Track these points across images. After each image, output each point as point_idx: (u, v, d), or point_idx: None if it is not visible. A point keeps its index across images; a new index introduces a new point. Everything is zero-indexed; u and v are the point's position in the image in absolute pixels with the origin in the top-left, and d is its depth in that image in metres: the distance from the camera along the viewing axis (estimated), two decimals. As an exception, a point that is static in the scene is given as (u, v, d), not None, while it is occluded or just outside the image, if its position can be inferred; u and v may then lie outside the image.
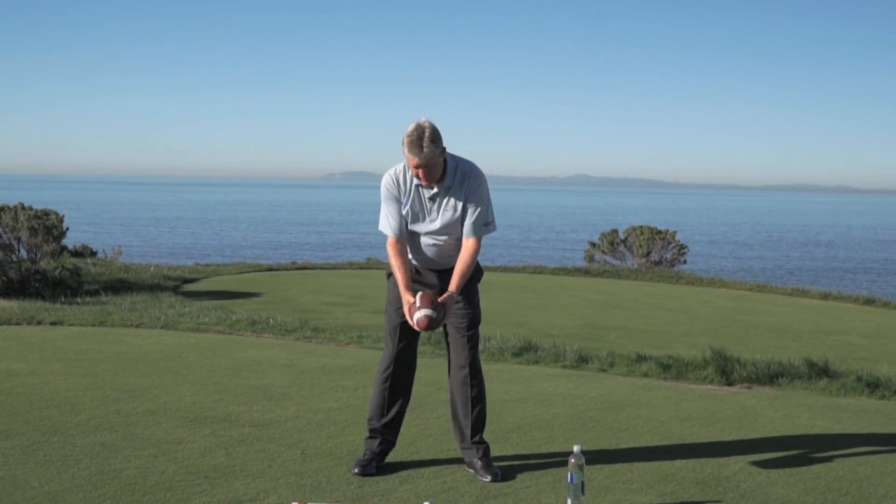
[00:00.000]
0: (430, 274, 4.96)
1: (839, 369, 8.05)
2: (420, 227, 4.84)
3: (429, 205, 4.80)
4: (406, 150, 4.60)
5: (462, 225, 4.80)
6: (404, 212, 4.82)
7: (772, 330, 12.99)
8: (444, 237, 4.84)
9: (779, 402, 6.81)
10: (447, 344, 5.02)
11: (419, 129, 4.57)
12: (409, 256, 4.92)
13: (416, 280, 4.93)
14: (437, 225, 4.81)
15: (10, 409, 6.00)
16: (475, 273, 4.94)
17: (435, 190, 4.75)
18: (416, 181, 4.77)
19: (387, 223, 4.85)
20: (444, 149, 4.67)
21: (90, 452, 5.07)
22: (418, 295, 4.66)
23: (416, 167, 4.63)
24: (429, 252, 4.90)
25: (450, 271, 4.86)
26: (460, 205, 4.76)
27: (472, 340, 4.93)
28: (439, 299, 4.67)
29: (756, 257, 46.45)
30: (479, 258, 4.90)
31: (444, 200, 4.77)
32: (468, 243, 4.79)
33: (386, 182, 4.83)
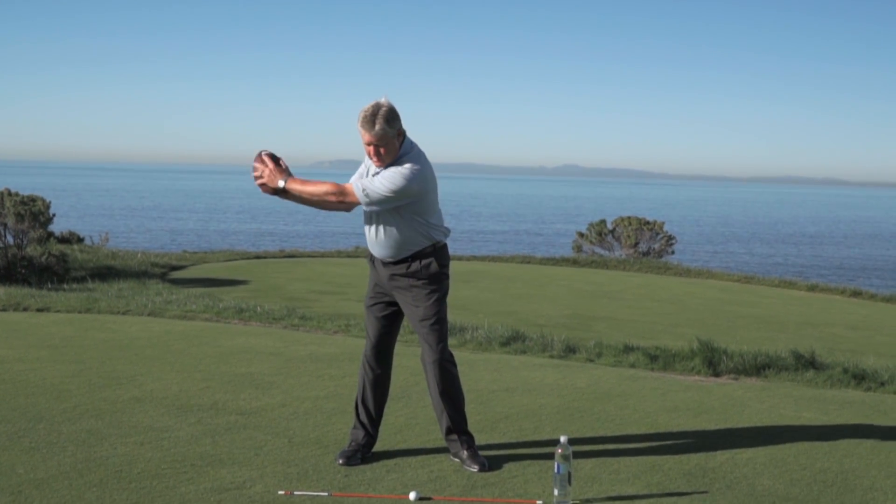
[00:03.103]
0: (376, 264, 4.91)
1: (825, 361, 8.08)
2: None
3: None
4: (359, 125, 4.60)
5: (393, 218, 4.71)
6: None
7: (759, 321, 13.04)
8: (380, 226, 4.76)
9: (765, 394, 6.83)
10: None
11: (375, 107, 4.58)
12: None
13: (372, 267, 4.95)
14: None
15: (-4, 396, 5.98)
16: (433, 264, 4.79)
17: (379, 169, 4.73)
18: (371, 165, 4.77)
19: None
20: (401, 132, 4.65)
21: (76, 440, 5.05)
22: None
23: (368, 144, 4.62)
24: (370, 234, 4.84)
25: (395, 265, 4.80)
26: None
27: (438, 334, 4.83)
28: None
29: (744, 252, 46.51)
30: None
31: None
32: (344, 184, 4.76)
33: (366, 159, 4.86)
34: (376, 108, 4.57)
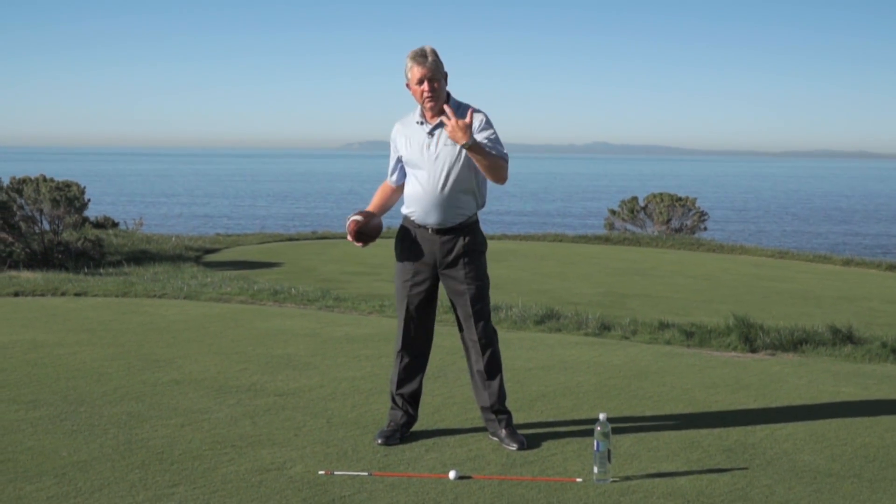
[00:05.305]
0: (426, 236, 4.78)
1: (863, 335, 8.01)
2: (423, 166, 4.70)
3: (428, 140, 4.70)
4: (410, 62, 4.61)
5: (463, 170, 4.65)
6: (407, 153, 4.76)
7: (794, 296, 12.94)
8: (445, 180, 4.66)
9: (803, 369, 6.78)
10: (457, 318, 4.91)
11: (423, 47, 4.63)
12: (410, 212, 4.80)
13: (412, 246, 4.82)
14: (435, 157, 4.67)
15: (38, 380, 6.05)
16: (476, 245, 4.78)
17: (434, 124, 4.69)
18: (417, 118, 4.74)
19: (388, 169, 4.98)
20: (446, 74, 4.67)
21: (117, 422, 5.10)
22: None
23: (421, 80, 4.59)
24: (428, 199, 4.69)
25: (449, 231, 4.72)
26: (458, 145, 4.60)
27: (481, 314, 4.80)
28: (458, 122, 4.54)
29: (776, 229, 45.99)
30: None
31: (445, 135, 4.65)
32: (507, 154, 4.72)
33: (393, 130, 4.87)
34: (424, 48, 4.62)
